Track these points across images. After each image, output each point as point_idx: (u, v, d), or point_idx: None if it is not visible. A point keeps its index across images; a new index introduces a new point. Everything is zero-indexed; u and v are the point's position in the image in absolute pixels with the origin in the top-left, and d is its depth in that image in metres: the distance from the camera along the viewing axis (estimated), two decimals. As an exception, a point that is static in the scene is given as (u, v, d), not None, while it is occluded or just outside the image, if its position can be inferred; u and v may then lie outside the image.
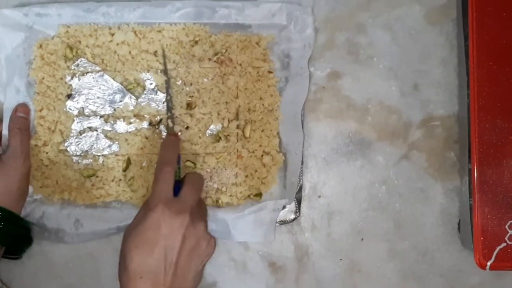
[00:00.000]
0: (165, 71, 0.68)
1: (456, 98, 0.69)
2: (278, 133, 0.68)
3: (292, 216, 0.68)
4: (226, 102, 0.68)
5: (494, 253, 0.59)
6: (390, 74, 0.69)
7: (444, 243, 0.68)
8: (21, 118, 0.66)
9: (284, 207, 0.67)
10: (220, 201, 0.68)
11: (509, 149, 0.60)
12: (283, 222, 0.68)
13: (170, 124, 0.67)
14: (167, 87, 0.68)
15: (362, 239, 0.69)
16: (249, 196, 0.68)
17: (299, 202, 0.68)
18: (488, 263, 0.59)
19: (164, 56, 0.68)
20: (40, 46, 0.68)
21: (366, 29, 0.70)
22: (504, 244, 0.59)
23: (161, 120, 0.67)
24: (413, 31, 0.69)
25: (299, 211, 0.68)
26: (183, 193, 0.59)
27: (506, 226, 0.59)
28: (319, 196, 0.69)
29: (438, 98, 0.69)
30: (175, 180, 0.59)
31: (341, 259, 0.69)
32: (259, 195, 0.68)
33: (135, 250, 0.55)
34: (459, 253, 0.68)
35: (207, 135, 0.68)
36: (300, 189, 0.67)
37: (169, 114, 0.67)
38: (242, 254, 0.69)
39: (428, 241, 0.68)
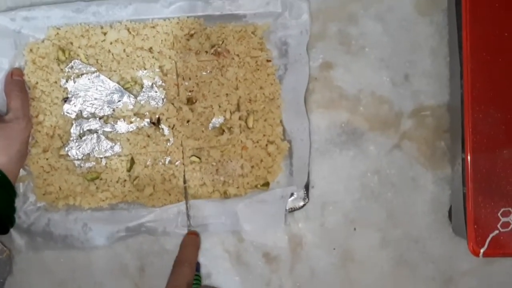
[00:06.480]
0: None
1: (446, 88, 0.69)
2: (281, 121, 0.68)
3: (301, 203, 0.68)
4: (227, 94, 0.67)
5: (487, 241, 0.60)
6: (381, 64, 0.70)
7: (435, 231, 0.70)
8: (18, 81, 0.65)
9: (292, 194, 0.68)
10: (228, 193, 0.68)
11: (502, 139, 0.60)
12: (293, 210, 0.68)
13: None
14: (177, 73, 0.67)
15: (355, 228, 0.70)
16: (256, 186, 0.68)
17: (307, 188, 0.68)
18: (482, 250, 0.60)
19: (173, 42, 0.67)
20: (31, 50, 0.66)
21: (358, 19, 0.70)
22: (496, 232, 0.60)
23: (159, 118, 0.67)
24: (404, 21, 0.70)
25: (308, 197, 0.68)
26: None
27: (499, 214, 0.60)
28: (312, 187, 0.69)
29: (428, 88, 0.70)
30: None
31: (334, 249, 0.70)
32: (266, 184, 0.68)
33: None
34: (450, 240, 0.70)
35: (209, 128, 0.68)
36: (308, 175, 0.68)
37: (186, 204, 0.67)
38: (236, 245, 0.69)
39: (419, 229, 0.70)
